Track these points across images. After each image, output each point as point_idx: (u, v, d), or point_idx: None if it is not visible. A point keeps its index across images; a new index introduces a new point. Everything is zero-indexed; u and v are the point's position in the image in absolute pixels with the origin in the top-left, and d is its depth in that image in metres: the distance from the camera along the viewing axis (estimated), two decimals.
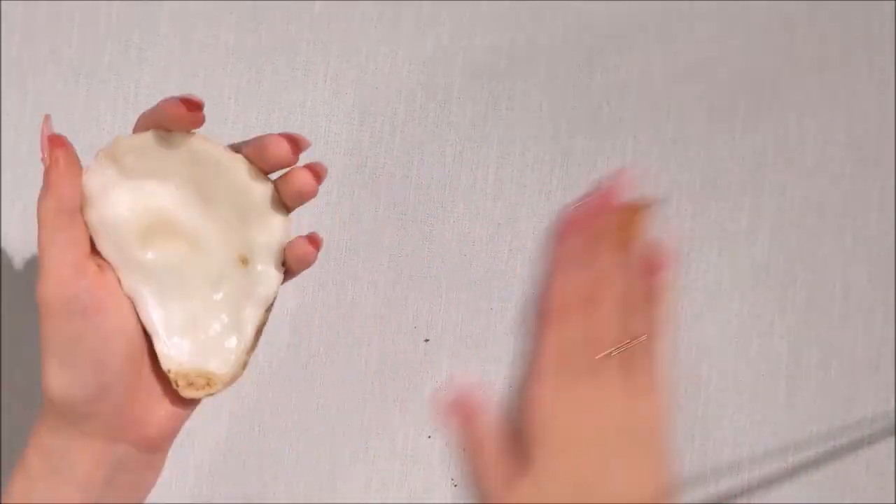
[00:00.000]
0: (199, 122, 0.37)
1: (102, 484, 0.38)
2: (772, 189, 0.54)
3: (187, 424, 0.52)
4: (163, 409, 0.39)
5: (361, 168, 0.53)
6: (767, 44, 0.54)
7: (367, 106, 0.53)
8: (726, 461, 0.53)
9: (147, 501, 0.39)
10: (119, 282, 0.38)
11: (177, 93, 0.36)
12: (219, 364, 0.39)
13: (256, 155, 0.38)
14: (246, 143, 0.38)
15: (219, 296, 0.39)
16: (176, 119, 0.37)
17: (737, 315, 0.54)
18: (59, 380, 0.37)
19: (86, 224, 0.38)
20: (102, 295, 0.37)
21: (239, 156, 0.38)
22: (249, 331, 0.39)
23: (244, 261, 0.39)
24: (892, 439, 0.53)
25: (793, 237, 0.54)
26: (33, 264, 0.53)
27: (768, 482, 0.53)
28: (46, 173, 0.37)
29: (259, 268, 0.39)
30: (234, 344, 0.39)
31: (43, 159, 0.37)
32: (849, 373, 0.54)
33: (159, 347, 0.39)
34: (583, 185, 0.53)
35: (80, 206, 0.37)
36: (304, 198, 0.38)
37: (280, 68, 0.53)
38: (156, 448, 0.40)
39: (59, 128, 0.52)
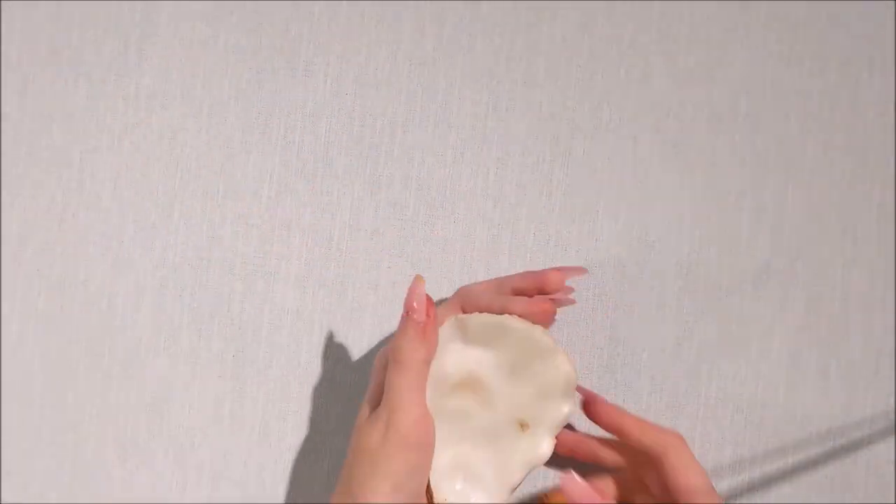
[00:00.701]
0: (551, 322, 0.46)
1: None
2: (772, 191, 0.54)
3: (188, 424, 0.53)
4: None
5: (361, 169, 0.53)
6: (767, 45, 0.54)
7: (367, 107, 0.53)
8: (727, 461, 0.53)
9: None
10: None
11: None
12: None
13: (532, 287, 0.47)
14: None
15: (492, 451, 0.46)
16: (539, 315, 0.45)
17: (736, 316, 0.54)
18: (388, 500, 0.42)
19: None
20: (433, 432, 0.44)
21: (561, 350, 0.46)
22: (509, 484, 0.46)
23: (523, 426, 0.46)
24: (892, 439, 0.53)
25: (793, 239, 0.54)
26: (32, 264, 0.53)
27: (768, 482, 0.53)
28: (423, 326, 0.43)
29: (536, 437, 0.46)
30: (494, 493, 0.46)
31: (413, 313, 0.43)
32: (848, 374, 0.54)
33: (435, 481, 0.45)
34: (583, 186, 0.53)
35: None
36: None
37: (280, 69, 0.53)
38: None
39: (59, 128, 0.52)
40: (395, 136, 0.53)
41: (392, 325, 0.53)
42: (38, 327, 0.52)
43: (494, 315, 0.45)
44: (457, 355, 0.45)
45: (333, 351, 0.53)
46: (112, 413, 0.52)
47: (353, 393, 0.53)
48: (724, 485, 0.53)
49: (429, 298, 0.44)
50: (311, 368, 0.53)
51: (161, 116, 0.53)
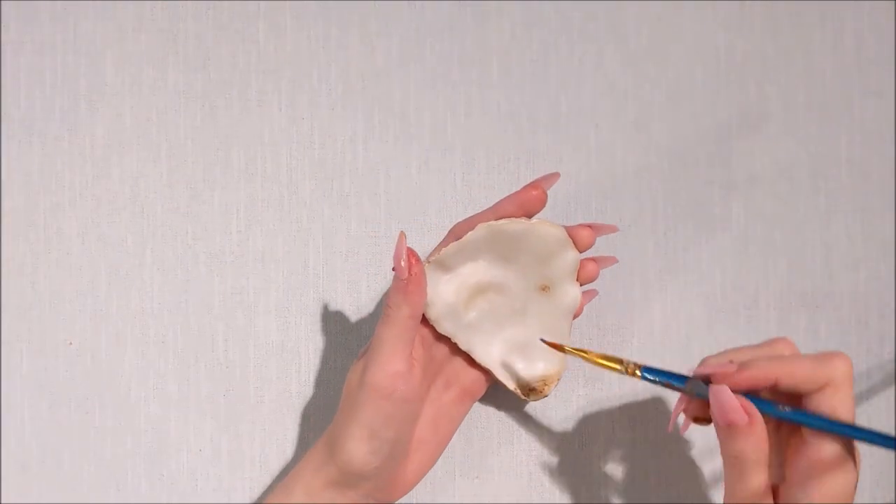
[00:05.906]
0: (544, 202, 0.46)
1: None
2: (740, 158, 0.54)
3: (188, 467, 0.52)
4: (411, 475, 0.47)
5: (328, 192, 0.53)
6: (718, 14, 0.54)
7: (325, 128, 0.53)
8: None
9: None
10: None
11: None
12: (547, 367, 0.49)
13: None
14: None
15: (530, 320, 0.48)
16: (535, 202, 0.45)
17: (720, 289, 0.54)
18: (364, 447, 0.44)
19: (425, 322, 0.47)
20: (414, 387, 0.45)
21: (526, 219, 0.46)
22: (563, 341, 0.48)
23: (545, 288, 0.48)
24: (892, 391, 0.53)
25: (767, 204, 0.54)
26: (11, 330, 0.52)
27: None
28: (406, 284, 0.43)
29: (560, 289, 0.48)
30: (553, 354, 0.48)
31: (398, 269, 0.43)
32: (838, 332, 0.54)
33: (500, 376, 0.49)
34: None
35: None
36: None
37: (233, 102, 0.53)
38: None
39: (19, 191, 0.52)
40: (356, 153, 0.53)
41: None
42: (24, 392, 0.52)
43: (453, 243, 0.46)
44: (449, 285, 0.47)
45: (323, 377, 0.52)
46: (110, 467, 0.52)
47: None
48: None
49: (412, 254, 0.44)
50: (304, 397, 0.52)
51: (120, 165, 0.52)
